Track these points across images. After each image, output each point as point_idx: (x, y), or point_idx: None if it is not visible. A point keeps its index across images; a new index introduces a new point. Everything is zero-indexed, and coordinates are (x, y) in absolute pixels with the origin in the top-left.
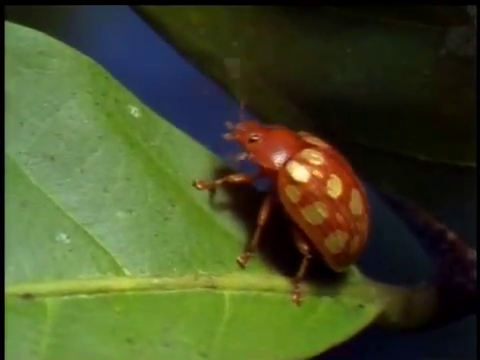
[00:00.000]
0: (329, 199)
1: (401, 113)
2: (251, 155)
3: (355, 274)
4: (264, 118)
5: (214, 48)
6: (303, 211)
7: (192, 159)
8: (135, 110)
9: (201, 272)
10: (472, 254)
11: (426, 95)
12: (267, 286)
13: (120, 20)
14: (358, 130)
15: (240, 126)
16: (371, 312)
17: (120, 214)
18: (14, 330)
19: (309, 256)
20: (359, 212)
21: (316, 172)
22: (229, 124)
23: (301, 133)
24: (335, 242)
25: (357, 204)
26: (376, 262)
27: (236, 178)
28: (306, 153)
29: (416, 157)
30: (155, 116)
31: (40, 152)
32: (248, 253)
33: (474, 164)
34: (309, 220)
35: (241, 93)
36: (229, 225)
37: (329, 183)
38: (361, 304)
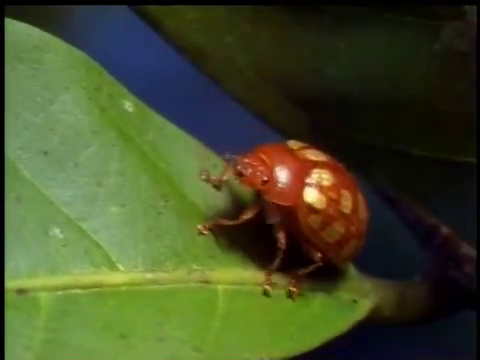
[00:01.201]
0: (344, 216)
1: (395, 108)
2: (266, 197)
3: (349, 269)
4: (258, 113)
5: (208, 43)
6: (323, 233)
7: (186, 153)
8: (129, 105)
9: (194, 267)
10: (466, 248)
11: (420, 90)
12: (261, 280)
13: (114, 15)
14: (352, 125)
15: (244, 168)
16: (365, 307)
17: (114, 209)
18: (8, 325)
19: (321, 263)
20: (364, 216)
21: (331, 194)
22: (227, 162)
23: (294, 144)
24: (348, 250)
25: (362, 209)
26: (370, 257)
27: (249, 214)
28: (317, 176)
29: (410, 152)
30: (149, 111)
31: (34, 147)
32: (270, 276)
33: (468, 158)
34: (328, 240)
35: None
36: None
37: (342, 200)
38: (355, 299)
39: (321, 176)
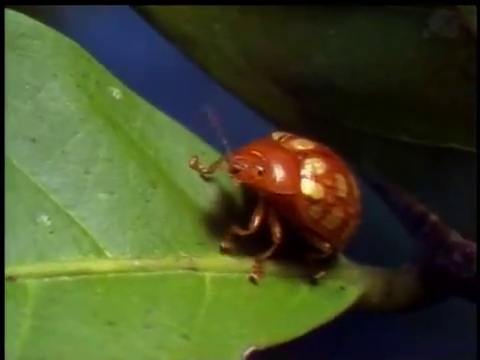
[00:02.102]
0: (342, 200)
1: (384, 95)
2: (266, 187)
3: (337, 256)
4: (247, 101)
5: (197, 31)
6: (324, 221)
7: (174, 141)
8: (117, 92)
9: (182, 254)
10: (454, 236)
11: (409, 77)
12: (249, 268)
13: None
14: (341, 112)
15: (237, 163)
16: (353, 294)
17: (102, 196)
18: None
19: (331, 251)
20: (357, 194)
21: (327, 181)
22: (226, 164)
23: (280, 136)
24: (349, 231)
25: (355, 188)
26: (358, 244)
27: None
28: (310, 166)
29: (399, 139)
30: (137, 98)
31: (21, 134)
32: (258, 264)
33: (456, 145)
34: (329, 226)
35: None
36: (211, 207)
37: (338, 185)
38: (343, 286)
39: (314, 165)
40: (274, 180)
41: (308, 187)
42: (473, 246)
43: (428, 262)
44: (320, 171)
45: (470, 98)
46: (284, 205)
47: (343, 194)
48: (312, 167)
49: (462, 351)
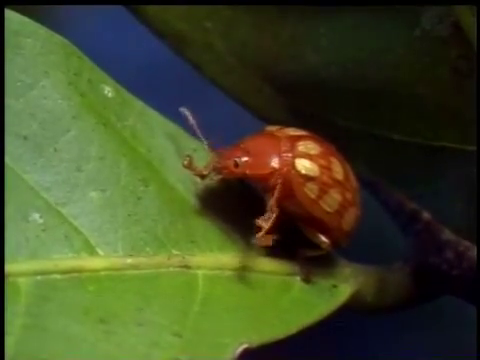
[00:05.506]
0: (338, 182)
1: (375, 93)
2: (247, 173)
3: (329, 254)
4: (239, 99)
5: (188, 29)
6: (321, 202)
7: (165, 139)
8: (108, 90)
9: (174, 252)
10: (447, 234)
11: (400, 75)
12: (241, 266)
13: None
14: (332, 110)
15: (216, 161)
16: (345, 292)
17: (93, 194)
18: None
19: (330, 248)
20: (355, 185)
21: (321, 161)
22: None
23: (273, 127)
24: (349, 219)
25: (352, 177)
26: (350, 242)
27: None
28: (303, 146)
29: (390, 137)
30: (129, 96)
31: (13, 132)
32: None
33: (447, 144)
34: (328, 209)
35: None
36: (203, 205)
37: (333, 167)
38: (335, 284)
39: (307, 146)
40: (253, 162)
41: (302, 165)
42: (465, 244)
43: (420, 260)
44: (314, 152)
45: (461, 96)
46: (281, 189)
47: (340, 177)
48: (305, 148)
49: (460, 351)
